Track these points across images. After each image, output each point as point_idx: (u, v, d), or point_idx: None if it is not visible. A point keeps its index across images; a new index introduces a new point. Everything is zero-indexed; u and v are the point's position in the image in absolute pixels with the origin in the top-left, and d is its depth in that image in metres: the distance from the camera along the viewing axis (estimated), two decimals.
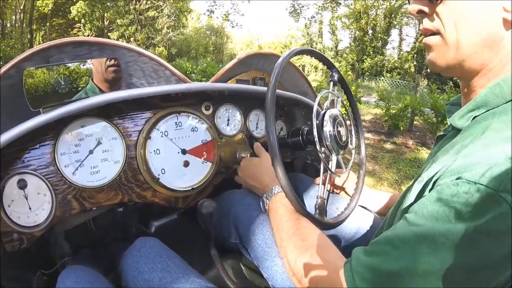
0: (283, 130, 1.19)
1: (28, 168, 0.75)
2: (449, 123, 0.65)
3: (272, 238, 0.79)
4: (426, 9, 0.58)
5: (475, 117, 0.56)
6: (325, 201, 0.78)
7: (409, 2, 0.62)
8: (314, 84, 3.40)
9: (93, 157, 0.81)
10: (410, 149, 4.67)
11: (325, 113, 0.82)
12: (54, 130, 0.77)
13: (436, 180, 0.49)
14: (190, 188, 0.90)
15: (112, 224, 0.91)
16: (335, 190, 1.01)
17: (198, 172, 0.92)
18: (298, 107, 1.15)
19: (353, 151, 0.93)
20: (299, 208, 0.70)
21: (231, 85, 0.99)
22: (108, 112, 0.83)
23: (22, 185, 0.75)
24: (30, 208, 0.76)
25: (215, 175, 0.95)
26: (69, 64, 0.79)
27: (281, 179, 0.68)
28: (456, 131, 0.60)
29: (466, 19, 0.54)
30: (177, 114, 0.91)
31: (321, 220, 0.73)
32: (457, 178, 0.45)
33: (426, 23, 0.58)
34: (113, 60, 0.84)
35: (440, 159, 0.56)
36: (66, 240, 0.87)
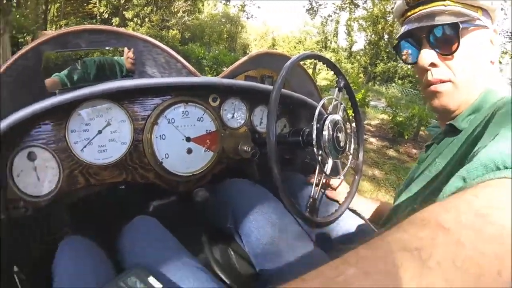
0: (286, 128, 1.22)
1: (39, 142, 0.79)
2: (435, 133, 0.81)
3: (266, 227, 0.83)
4: (438, 62, 0.68)
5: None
6: (317, 201, 0.82)
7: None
8: (324, 83, 3.41)
9: (101, 136, 0.85)
10: (412, 158, 4.69)
11: (326, 117, 0.84)
12: (66, 109, 0.81)
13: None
14: (190, 174, 0.95)
15: (114, 201, 0.95)
16: (328, 194, 1.05)
17: (200, 160, 0.96)
18: (303, 108, 1.18)
19: (351, 157, 0.97)
20: (290, 206, 0.73)
21: (240, 82, 1.02)
22: (119, 96, 0.87)
23: (32, 157, 0.79)
24: (38, 179, 0.81)
25: (216, 164, 0.99)
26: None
27: (276, 177, 0.71)
28: (453, 133, 0.70)
29: (473, 62, 0.67)
30: (185, 104, 0.94)
31: (310, 218, 0.77)
32: None
33: (437, 74, 0.68)
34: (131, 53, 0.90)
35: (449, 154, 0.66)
36: (69, 212, 0.91)
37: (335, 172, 1.02)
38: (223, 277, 0.85)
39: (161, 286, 0.60)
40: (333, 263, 0.29)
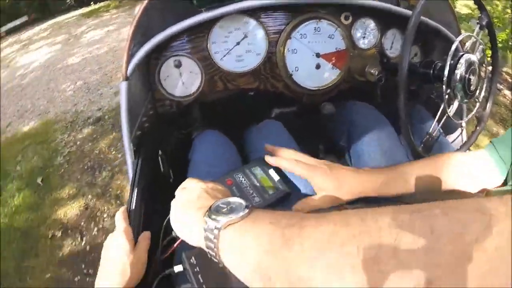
0: (417, 56, 1.14)
1: (184, 52, 0.92)
2: None
3: (376, 153, 0.84)
4: None
5: None
6: (433, 140, 0.79)
7: None
8: (464, 11, 2.96)
9: (239, 48, 0.94)
10: None
11: (462, 55, 0.77)
12: (209, 22, 0.89)
13: None
14: (316, 89, 0.99)
15: (245, 105, 1.06)
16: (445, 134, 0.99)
17: (327, 76, 0.99)
18: (438, 38, 1.08)
19: (478, 104, 0.88)
20: (407, 138, 0.72)
21: (374, 1, 0.97)
22: (257, 11, 0.92)
23: (178, 64, 0.92)
24: (182, 83, 0.94)
25: (341, 82, 1.01)
26: None
27: (400, 106, 0.70)
28: None
29: None
30: (318, 20, 0.95)
31: (423, 155, 0.77)
32: None
33: None
34: None
35: None
36: (206, 110, 1.06)
37: (458, 115, 0.95)
38: None
39: (279, 178, 0.69)
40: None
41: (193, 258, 0.51)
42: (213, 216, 0.38)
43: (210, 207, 0.40)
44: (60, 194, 2.14)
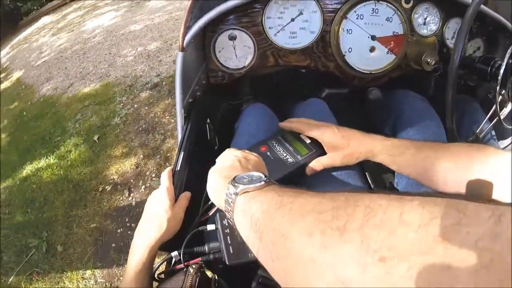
0: (480, 50, 1.07)
1: (239, 25, 0.94)
2: None
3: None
4: None
5: None
6: (479, 141, 0.75)
7: None
8: None
9: (293, 24, 0.94)
10: None
11: None
12: None
13: None
14: (368, 72, 0.97)
15: (294, 81, 1.07)
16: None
17: (381, 60, 0.96)
18: (504, 33, 1.00)
19: None
20: (451, 136, 0.71)
21: None
22: None
23: (232, 37, 0.95)
24: (236, 56, 0.97)
25: (394, 69, 0.98)
26: None
27: (447, 101, 0.68)
28: None
29: None
30: (376, 1, 0.92)
31: None
32: None
33: None
34: None
35: None
36: (256, 84, 1.09)
37: (509, 121, 0.88)
38: (367, 175, 0.90)
39: (310, 141, 0.74)
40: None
41: (225, 220, 0.57)
42: (236, 184, 0.43)
43: (235, 177, 0.45)
44: (114, 152, 2.31)
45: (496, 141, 0.96)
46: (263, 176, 0.44)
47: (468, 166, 0.49)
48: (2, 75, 5.05)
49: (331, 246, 0.25)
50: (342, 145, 0.67)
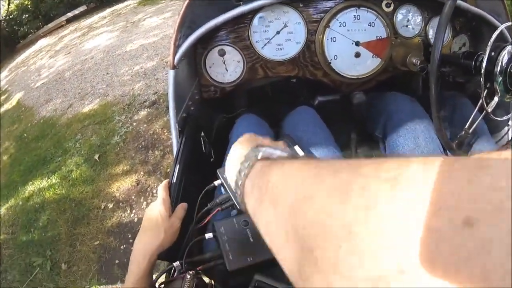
0: (465, 46, 1.09)
1: (227, 41, 0.97)
2: None
3: (410, 146, 0.84)
4: None
5: None
6: (469, 136, 0.77)
7: None
8: None
9: (279, 36, 0.98)
10: None
11: (505, 46, 0.71)
12: (249, 14, 0.94)
13: None
14: (355, 77, 0.99)
15: (284, 91, 1.11)
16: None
17: (367, 65, 0.99)
18: (488, 27, 1.02)
19: None
20: (438, 132, 0.71)
21: None
22: (296, 1, 0.95)
23: (222, 53, 0.98)
24: (226, 70, 1.00)
25: (381, 72, 1.00)
26: None
27: (432, 98, 0.68)
28: None
29: None
30: (357, 8, 0.95)
31: (455, 151, 0.75)
32: None
33: None
34: None
35: None
36: (247, 96, 1.12)
37: (500, 112, 0.89)
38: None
39: (303, 153, 0.75)
40: None
41: (222, 227, 0.59)
42: (258, 148, 0.39)
43: (258, 145, 0.42)
44: (114, 170, 2.33)
45: (491, 134, 0.97)
46: (285, 153, 0.40)
47: None
48: (2, 97, 5.11)
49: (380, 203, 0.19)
50: None
